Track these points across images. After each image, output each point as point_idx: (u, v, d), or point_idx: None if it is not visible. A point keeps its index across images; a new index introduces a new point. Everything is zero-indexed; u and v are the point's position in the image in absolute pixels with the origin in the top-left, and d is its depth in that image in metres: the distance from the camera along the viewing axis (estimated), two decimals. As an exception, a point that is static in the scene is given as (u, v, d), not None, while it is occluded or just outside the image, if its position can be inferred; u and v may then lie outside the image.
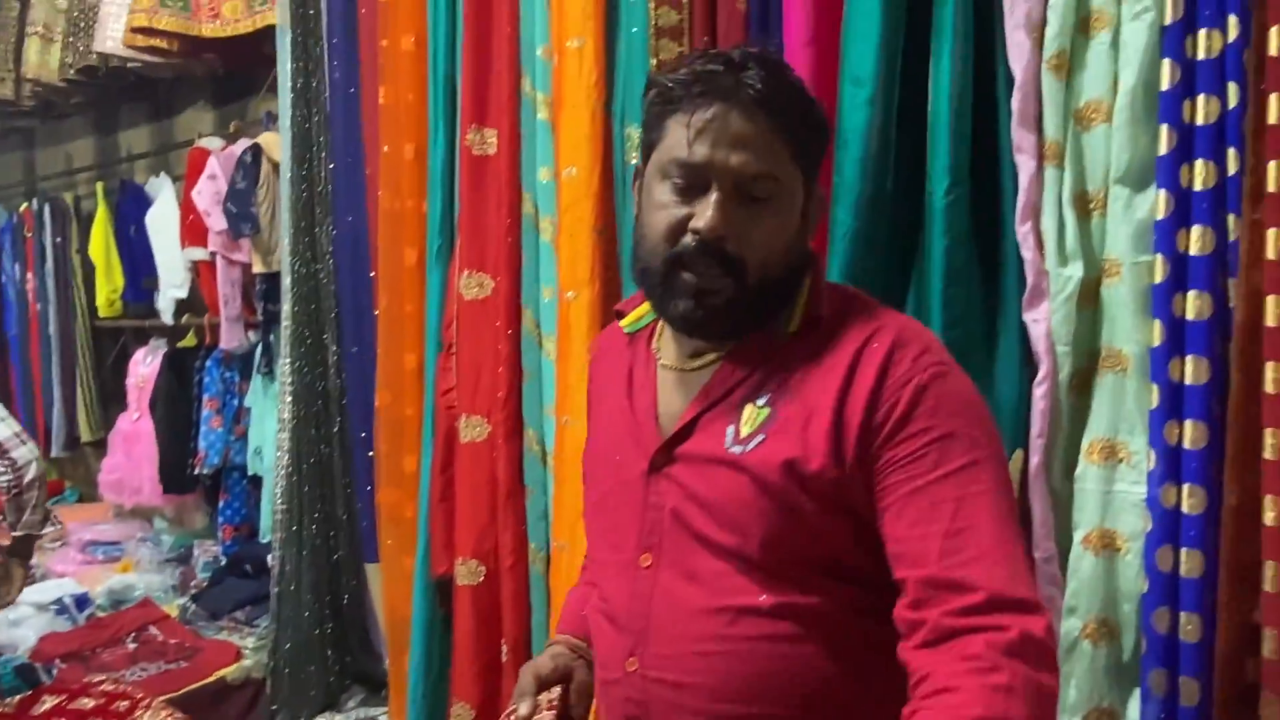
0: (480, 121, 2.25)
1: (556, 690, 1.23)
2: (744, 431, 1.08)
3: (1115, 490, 1.45)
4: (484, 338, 2.26)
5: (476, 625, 2.27)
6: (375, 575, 2.77)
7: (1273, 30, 1.29)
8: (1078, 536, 1.47)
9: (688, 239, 1.07)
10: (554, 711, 1.19)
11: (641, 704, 1.11)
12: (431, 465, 2.36)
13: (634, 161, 1.99)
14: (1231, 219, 1.36)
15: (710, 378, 1.13)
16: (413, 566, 2.44)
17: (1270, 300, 1.30)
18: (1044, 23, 1.48)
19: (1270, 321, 1.30)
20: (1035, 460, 1.47)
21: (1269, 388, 1.31)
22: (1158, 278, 1.40)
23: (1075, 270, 1.46)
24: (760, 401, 1.09)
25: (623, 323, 1.28)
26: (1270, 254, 1.30)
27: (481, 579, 2.27)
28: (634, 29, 1.97)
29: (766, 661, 1.05)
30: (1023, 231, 1.49)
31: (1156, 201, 1.40)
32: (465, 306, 2.28)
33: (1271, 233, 1.30)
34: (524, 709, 1.18)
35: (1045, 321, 1.48)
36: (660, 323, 1.22)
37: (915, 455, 1.01)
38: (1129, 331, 1.44)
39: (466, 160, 2.27)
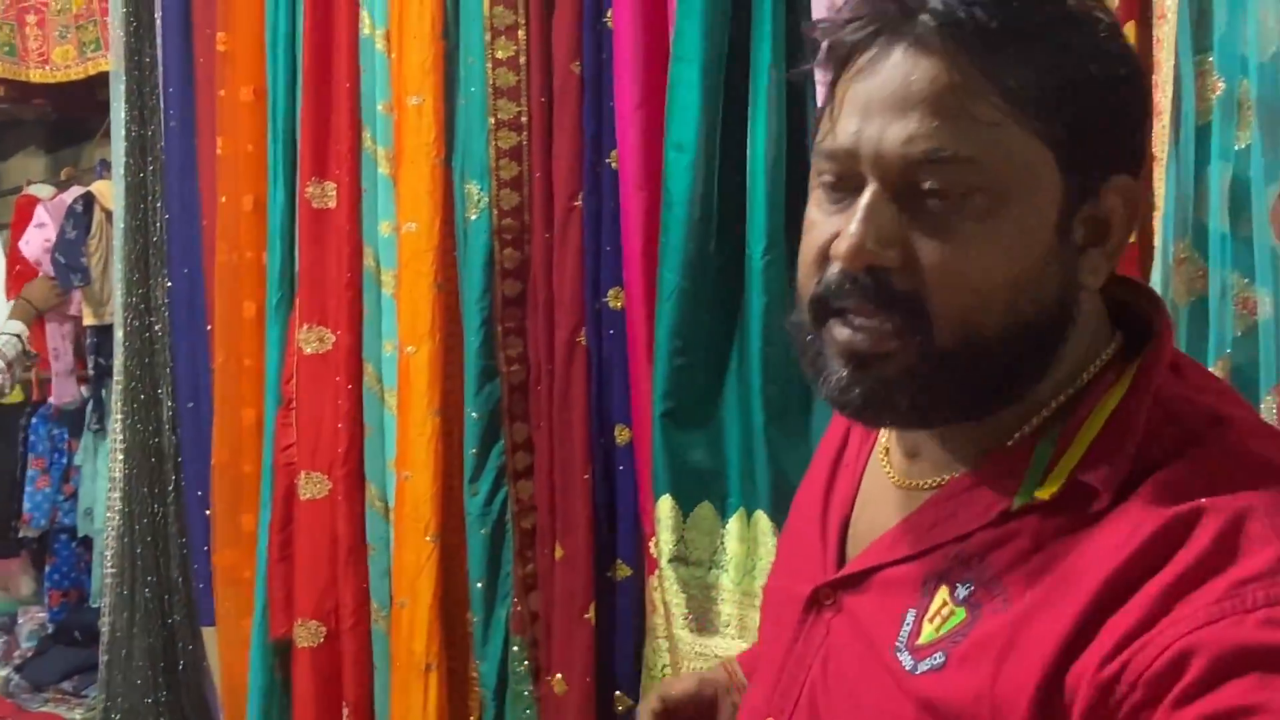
0: (320, 174, 2.25)
1: None
2: (924, 635, 0.66)
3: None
4: (324, 393, 2.23)
5: (317, 688, 2.22)
6: (213, 639, 2.67)
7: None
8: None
9: (831, 269, 0.66)
10: None
11: None
12: (270, 524, 2.31)
13: (473, 217, 2.02)
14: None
15: (912, 513, 0.71)
16: (251, 629, 2.37)
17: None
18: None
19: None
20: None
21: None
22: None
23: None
24: (961, 592, 0.65)
25: None
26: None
27: (322, 640, 2.22)
28: (472, 88, 2.01)
29: None
30: (836, 291, 1.57)
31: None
32: (305, 361, 2.25)
33: None
34: None
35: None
36: None
37: None
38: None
39: (306, 213, 2.25)
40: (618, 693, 1.90)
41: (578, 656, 1.89)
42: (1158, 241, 1.34)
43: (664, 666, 1.77)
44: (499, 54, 1.98)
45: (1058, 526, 0.63)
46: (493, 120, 1.98)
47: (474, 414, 2.03)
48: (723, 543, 1.69)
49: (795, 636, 0.77)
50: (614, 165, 1.86)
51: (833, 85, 0.68)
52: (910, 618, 0.68)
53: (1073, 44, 0.63)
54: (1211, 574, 0.56)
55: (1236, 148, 1.28)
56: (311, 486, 2.23)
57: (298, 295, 2.28)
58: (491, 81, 1.98)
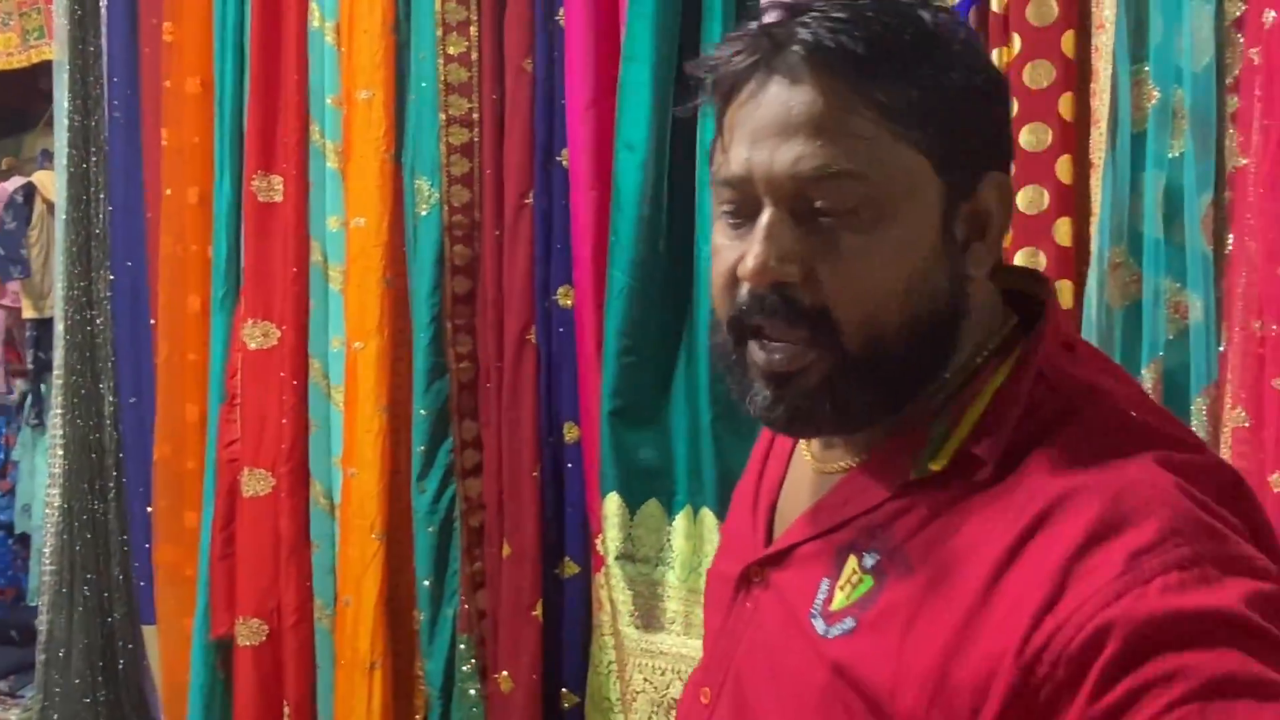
0: (267, 168, 2.22)
1: None
2: (836, 601, 0.70)
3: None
4: (269, 388, 2.21)
5: (258, 687, 2.19)
6: (153, 638, 2.63)
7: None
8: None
9: (741, 290, 0.70)
10: None
11: None
12: (212, 521, 2.28)
13: (423, 213, 2.01)
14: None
15: (826, 493, 0.76)
16: (192, 628, 2.33)
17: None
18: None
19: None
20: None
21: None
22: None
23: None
24: (868, 560, 0.70)
25: None
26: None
27: (264, 638, 2.20)
28: (423, 84, 2.00)
29: None
30: (783, 291, 1.58)
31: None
32: (249, 356, 2.23)
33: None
34: None
35: (804, 375, 1.58)
36: None
37: None
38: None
39: (252, 206, 2.23)
40: (564, 689, 1.90)
41: (525, 654, 1.89)
42: (1094, 247, 1.37)
43: (609, 663, 1.78)
44: (450, 50, 1.97)
45: (950, 497, 0.68)
46: (444, 116, 1.98)
47: (422, 411, 2.02)
48: (669, 540, 1.70)
49: (728, 614, 0.81)
50: (565, 163, 1.86)
51: (720, 118, 0.72)
52: (825, 586, 0.72)
53: (934, 59, 0.68)
54: (1103, 549, 0.59)
55: (1170, 156, 1.32)
56: (255, 483, 2.21)
57: (243, 290, 2.25)
58: (443, 77, 1.97)
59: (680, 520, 1.68)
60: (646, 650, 1.69)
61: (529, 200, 1.90)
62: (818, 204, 0.67)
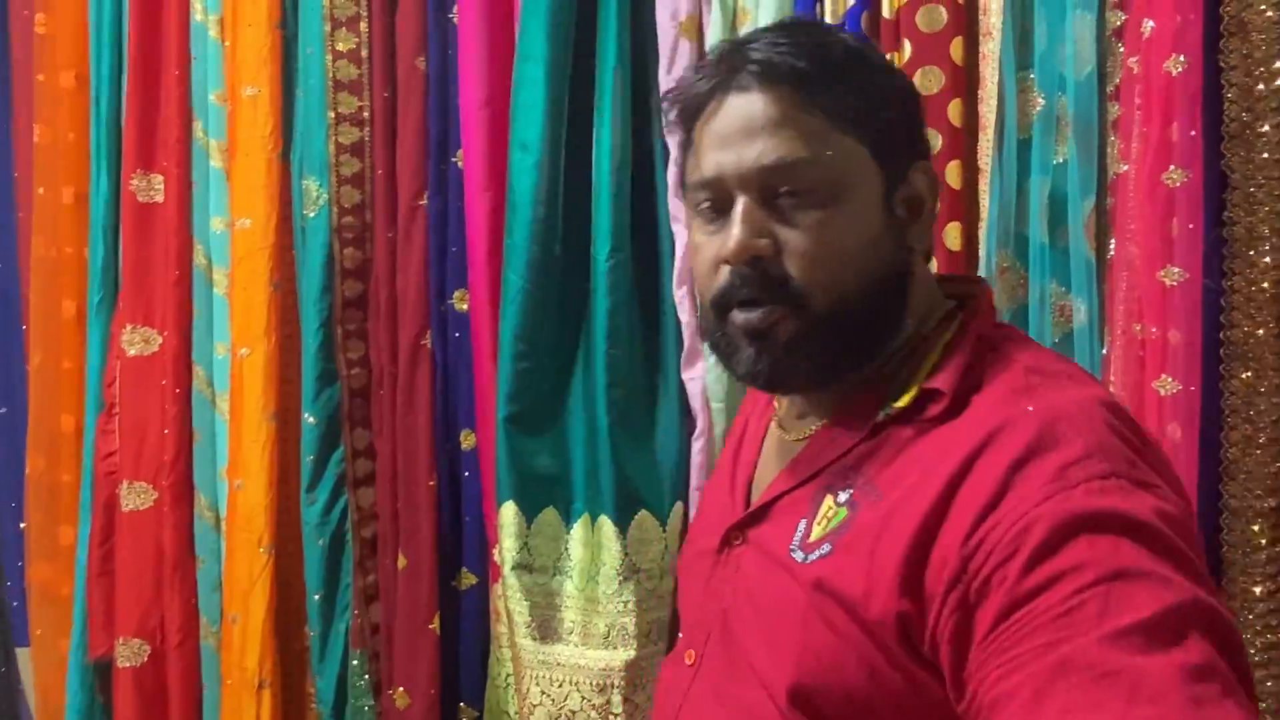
0: (146, 166, 2.13)
1: None
2: (814, 533, 0.81)
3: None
4: (149, 397, 2.12)
5: (140, 710, 2.10)
6: (27, 661, 2.50)
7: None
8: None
9: (722, 273, 0.83)
10: None
11: None
12: (90, 537, 2.17)
13: (311, 215, 1.94)
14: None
15: (800, 451, 0.87)
16: (69, 649, 2.22)
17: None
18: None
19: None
20: (695, 512, 1.55)
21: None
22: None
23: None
24: (842, 496, 0.81)
25: None
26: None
27: (145, 659, 2.10)
28: (311, 80, 1.94)
29: None
30: (679, 295, 1.57)
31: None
32: (129, 363, 2.13)
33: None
34: None
35: (701, 380, 1.57)
36: None
37: (1058, 611, 0.64)
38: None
39: (131, 206, 2.13)
40: (462, 704, 1.86)
41: (422, 668, 1.84)
42: (982, 251, 1.39)
43: (507, 676, 1.74)
44: (339, 46, 1.91)
45: (912, 433, 0.80)
46: (333, 114, 1.92)
47: (311, 419, 1.96)
48: (567, 548, 1.67)
49: (710, 578, 0.90)
50: (459, 164, 1.82)
51: (688, 135, 0.86)
52: (802, 526, 0.82)
53: (860, 71, 0.83)
54: (1037, 462, 0.71)
55: (1055, 162, 1.34)
56: (135, 497, 2.11)
57: (121, 294, 2.15)
58: (332, 74, 1.91)
59: (578, 529, 1.65)
60: (543, 662, 1.65)
61: (423, 202, 1.86)
62: (781, 190, 0.81)
